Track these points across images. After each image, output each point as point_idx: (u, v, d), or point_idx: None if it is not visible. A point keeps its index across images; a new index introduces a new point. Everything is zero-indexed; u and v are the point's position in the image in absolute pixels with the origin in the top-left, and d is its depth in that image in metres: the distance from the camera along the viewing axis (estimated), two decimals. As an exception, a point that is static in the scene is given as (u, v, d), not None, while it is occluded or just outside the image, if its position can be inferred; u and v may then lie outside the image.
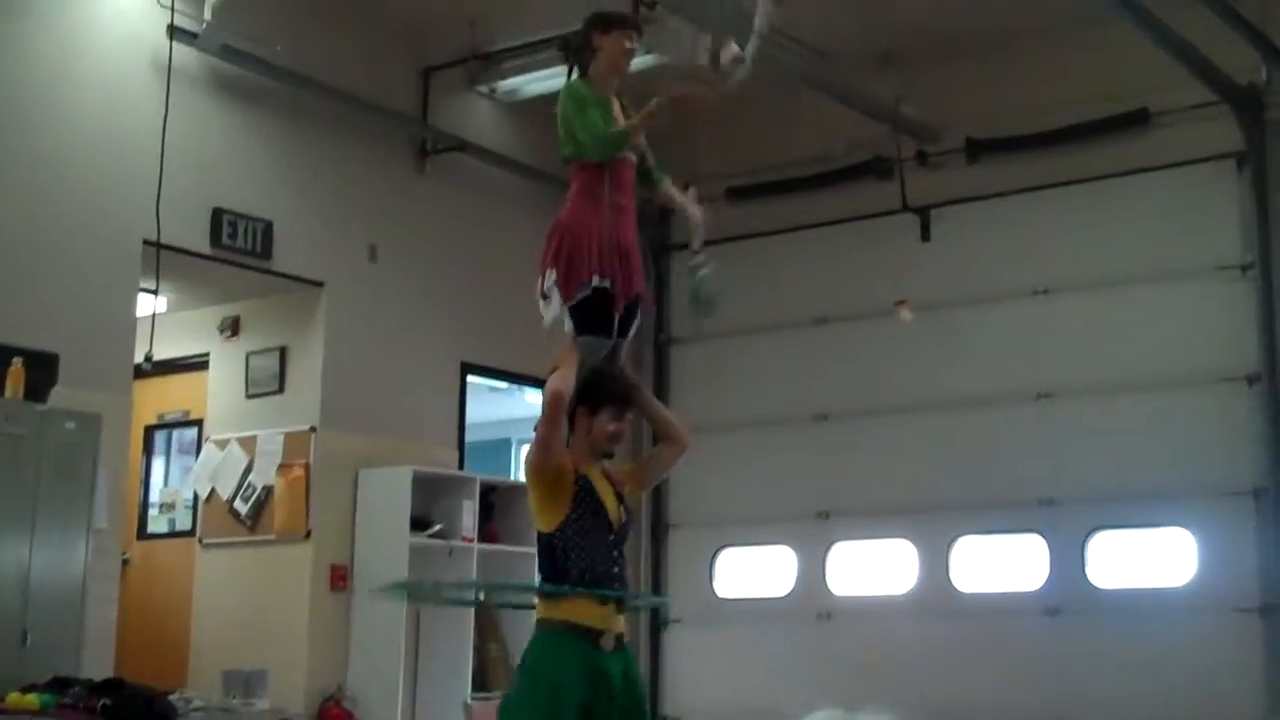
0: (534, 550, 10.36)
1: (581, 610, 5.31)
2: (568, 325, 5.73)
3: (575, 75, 5.91)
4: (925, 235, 11.11)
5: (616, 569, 5.42)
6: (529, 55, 10.48)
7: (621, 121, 5.78)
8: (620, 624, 5.41)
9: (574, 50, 5.95)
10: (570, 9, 9.00)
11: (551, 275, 5.76)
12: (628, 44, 5.90)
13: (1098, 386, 10.19)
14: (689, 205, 6.15)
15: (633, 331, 5.86)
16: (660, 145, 6.11)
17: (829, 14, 10.05)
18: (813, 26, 10.03)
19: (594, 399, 5.49)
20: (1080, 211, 10.44)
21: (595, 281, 5.67)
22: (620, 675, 5.33)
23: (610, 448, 5.53)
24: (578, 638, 5.29)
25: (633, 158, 5.86)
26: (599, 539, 5.39)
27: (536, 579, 5.57)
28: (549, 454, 5.41)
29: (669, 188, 6.14)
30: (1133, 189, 10.26)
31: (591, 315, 5.70)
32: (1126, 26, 8.81)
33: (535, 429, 5.56)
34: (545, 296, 5.80)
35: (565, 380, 5.42)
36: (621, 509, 5.49)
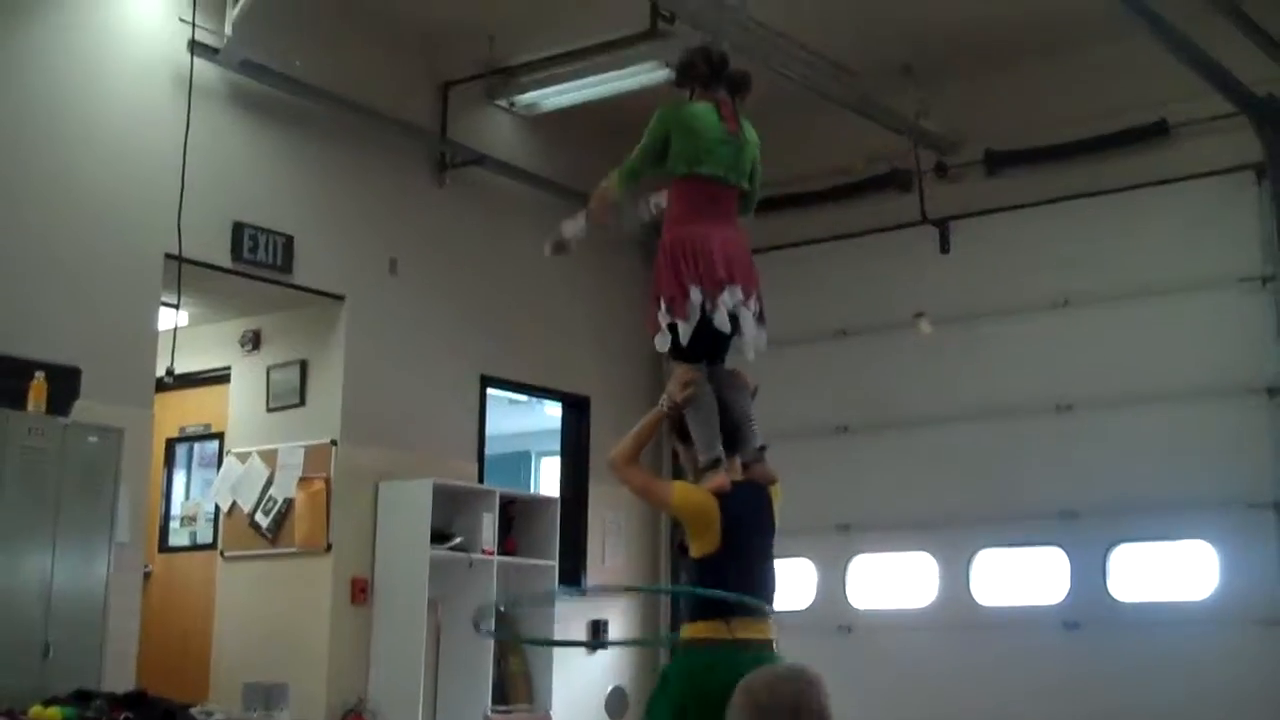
0: (553, 562, 10.46)
1: None
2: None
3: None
4: (945, 247, 11.11)
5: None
6: (547, 69, 10.50)
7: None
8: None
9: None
10: (589, 23, 9.11)
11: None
12: None
13: (1118, 398, 10.18)
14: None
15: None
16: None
17: (848, 27, 10.10)
18: (831, 40, 10.07)
19: None
20: (1100, 223, 10.44)
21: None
22: None
23: None
24: None
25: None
26: None
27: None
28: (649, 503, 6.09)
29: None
30: (1152, 201, 10.25)
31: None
32: (1145, 38, 8.80)
33: None
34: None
35: (628, 437, 5.77)
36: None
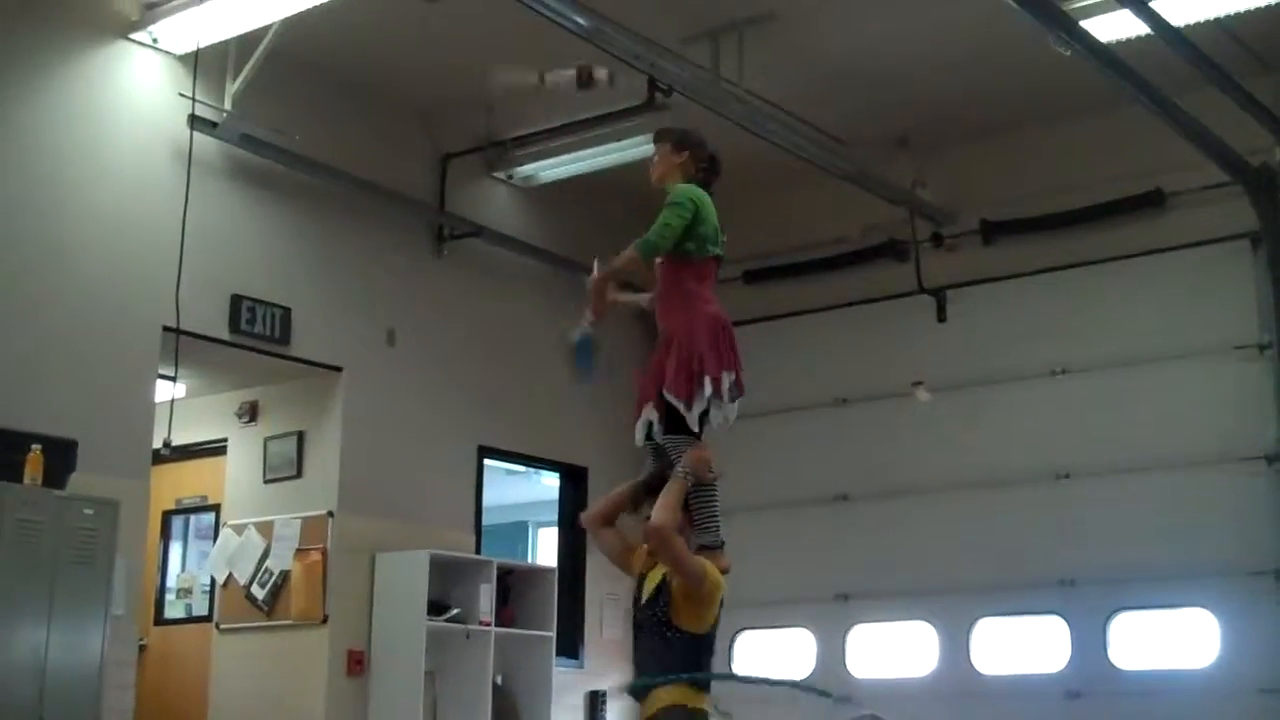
0: (550, 633, 10.43)
1: None
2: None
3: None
4: (941, 316, 11.14)
5: (638, 655, 5.68)
6: (545, 142, 10.57)
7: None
8: (642, 713, 5.57)
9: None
10: (585, 97, 9.16)
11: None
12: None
13: (1116, 466, 10.17)
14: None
15: (718, 416, 6.00)
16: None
17: (843, 99, 10.18)
18: (827, 112, 10.14)
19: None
20: (1096, 292, 10.47)
21: None
22: None
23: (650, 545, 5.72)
24: None
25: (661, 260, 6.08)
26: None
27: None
28: (606, 555, 6.12)
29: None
30: (1148, 269, 10.28)
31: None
32: (1140, 109, 8.86)
33: None
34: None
35: (604, 498, 6.18)
36: (649, 602, 5.63)
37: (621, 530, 6.01)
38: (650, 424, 5.94)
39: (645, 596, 5.62)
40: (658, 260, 6.02)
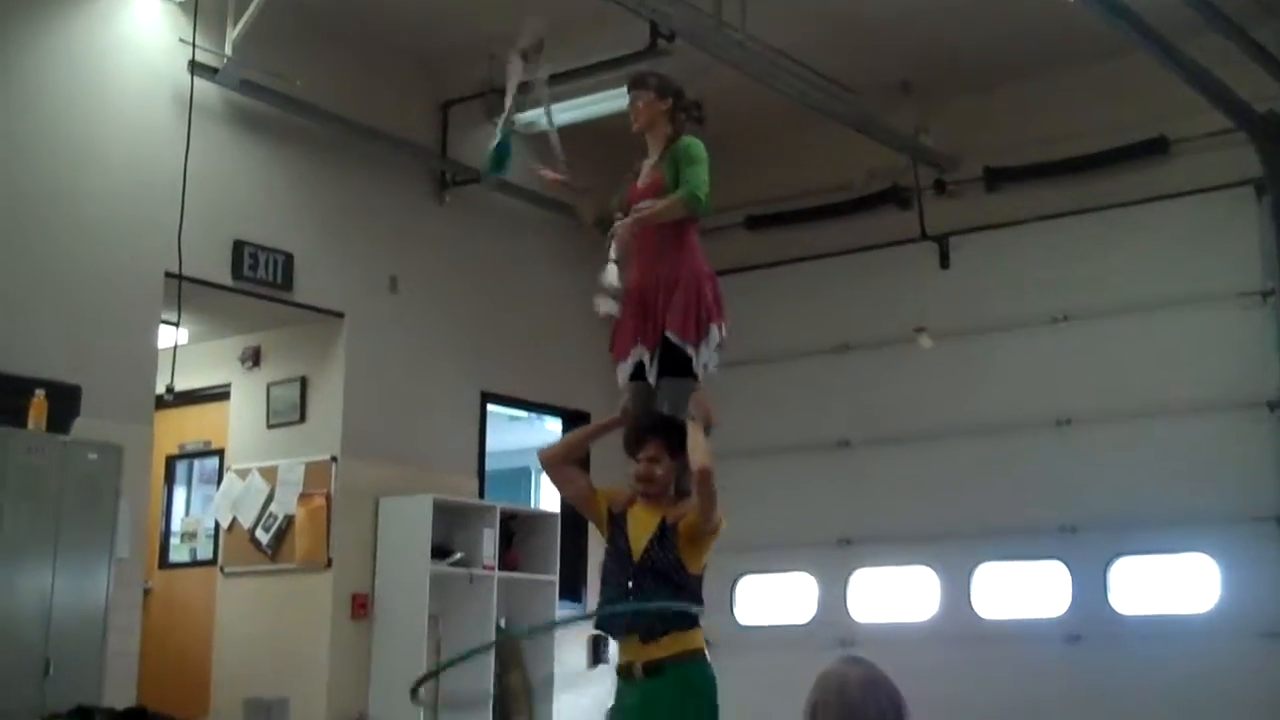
0: (553, 577, 10.50)
1: (619, 650, 5.72)
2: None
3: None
4: (944, 263, 11.13)
5: (641, 599, 5.54)
6: (547, 88, 10.50)
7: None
8: (649, 652, 5.52)
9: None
10: (588, 41, 9.13)
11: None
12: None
13: (1118, 413, 10.18)
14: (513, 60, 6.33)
15: (708, 359, 6.03)
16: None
17: (846, 45, 10.12)
18: (830, 58, 10.09)
19: (625, 443, 5.84)
20: (1099, 239, 10.45)
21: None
22: (639, 702, 5.48)
23: (642, 488, 5.74)
24: (619, 676, 5.70)
25: (646, 205, 6.12)
26: (617, 573, 5.64)
27: None
28: (572, 504, 6.03)
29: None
30: (1151, 216, 10.26)
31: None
32: (1144, 55, 8.82)
33: None
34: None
35: (567, 436, 6.27)
36: (653, 544, 5.58)
37: (581, 470, 6.14)
38: (640, 365, 6.01)
39: (646, 539, 5.61)
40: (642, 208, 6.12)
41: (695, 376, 5.91)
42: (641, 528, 5.64)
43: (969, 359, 10.82)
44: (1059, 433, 10.43)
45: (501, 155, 6.30)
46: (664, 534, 5.58)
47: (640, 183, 6.26)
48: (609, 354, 6.28)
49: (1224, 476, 9.79)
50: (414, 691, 6.00)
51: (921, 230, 11.11)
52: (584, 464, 6.49)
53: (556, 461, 5.96)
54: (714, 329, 5.96)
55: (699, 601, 5.60)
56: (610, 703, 5.82)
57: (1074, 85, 10.55)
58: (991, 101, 10.91)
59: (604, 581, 5.76)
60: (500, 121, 6.39)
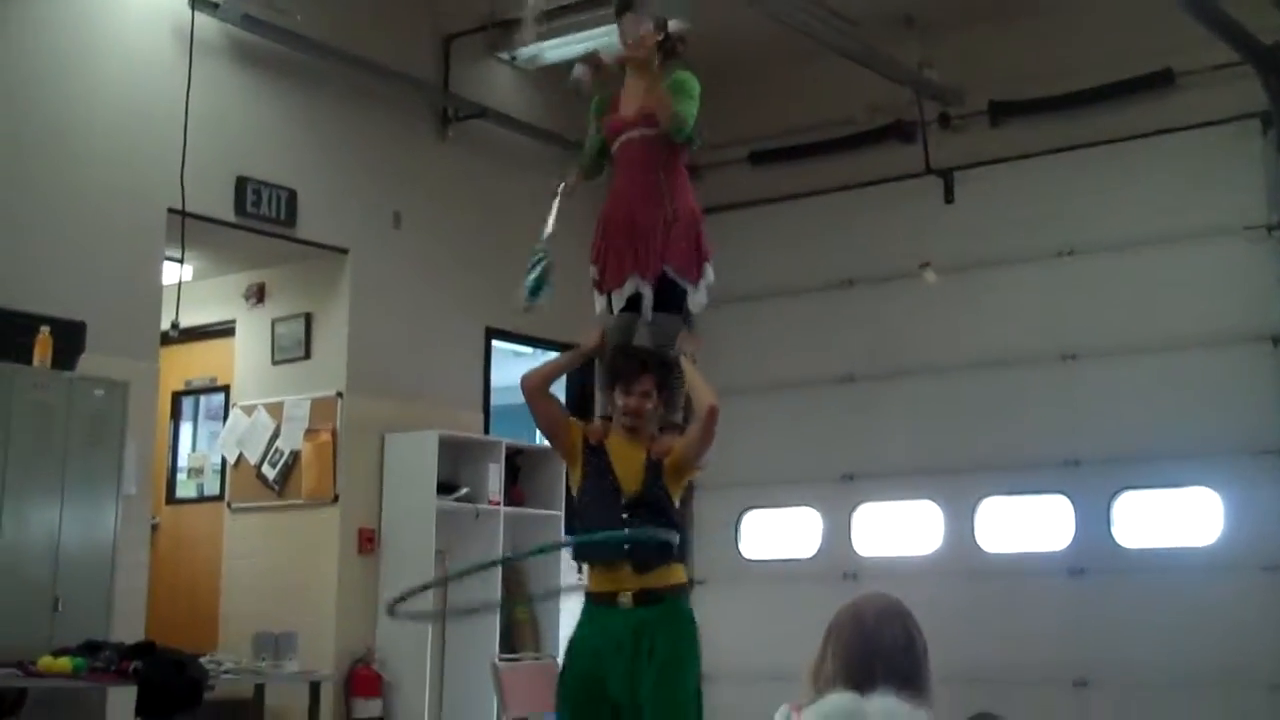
0: (559, 513, 10.52)
1: (597, 579, 5.66)
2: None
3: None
4: (949, 198, 11.09)
5: (635, 532, 5.54)
6: (548, 22, 10.46)
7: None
8: (643, 582, 5.54)
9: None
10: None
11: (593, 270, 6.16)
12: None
13: (1122, 347, 10.18)
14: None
15: (698, 300, 6.06)
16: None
17: (851, -23, 10.05)
18: (835, -10, 10.03)
19: (608, 375, 5.80)
20: (1104, 173, 10.42)
21: (593, 272, 6.13)
22: (633, 630, 5.48)
23: (629, 421, 5.70)
24: (596, 604, 5.62)
25: (634, 135, 6.08)
26: (607, 506, 5.61)
27: None
28: (546, 431, 5.94)
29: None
30: (1157, 150, 10.22)
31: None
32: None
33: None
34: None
35: (564, 359, 6.03)
36: (645, 479, 5.59)
37: (555, 397, 6.01)
38: (633, 297, 5.98)
39: (638, 473, 5.60)
40: (632, 137, 6.09)
41: (686, 314, 5.94)
42: (628, 462, 5.64)
43: (973, 294, 10.80)
44: (1063, 367, 10.43)
45: (539, 284, 6.24)
46: (655, 468, 5.61)
47: (625, 112, 6.18)
48: (594, 278, 6.18)
49: (1228, 410, 9.80)
50: (391, 608, 6.00)
51: (926, 165, 11.07)
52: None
53: (539, 387, 5.85)
54: (709, 269, 6.02)
55: (679, 528, 5.67)
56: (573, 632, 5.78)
57: (1079, 18, 10.49)
58: (996, 35, 10.84)
59: (586, 513, 5.76)
60: (537, 252, 6.29)
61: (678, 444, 5.73)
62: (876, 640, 3.27)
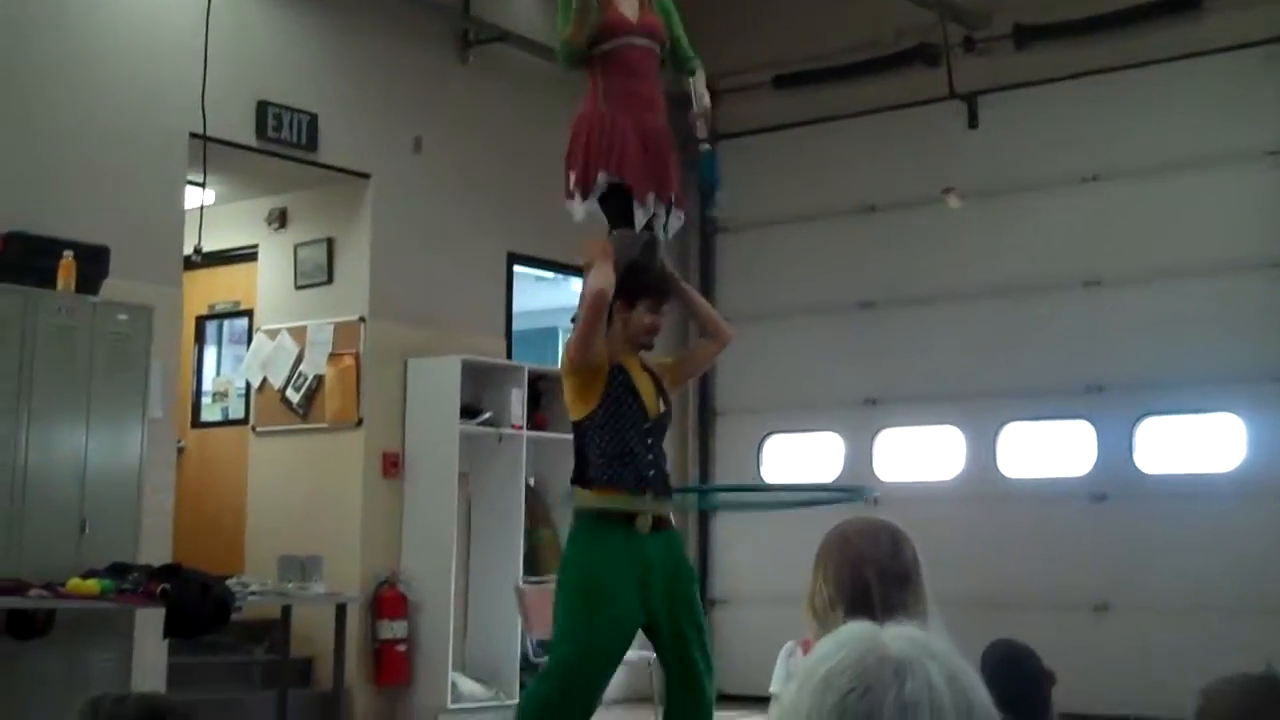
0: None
1: (615, 500, 5.39)
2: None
3: None
4: (973, 122, 11.03)
5: (651, 456, 5.50)
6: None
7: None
8: (660, 508, 5.52)
9: None
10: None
11: (571, 176, 5.86)
12: None
13: (1146, 273, 10.16)
14: (698, 92, 6.15)
15: (674, 225, 5.97)
16: (705, 35, 6.12)
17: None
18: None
19: (631, 292, 5.48)
20: (1129, 97, 10.34)
21: (602, 179, 5.77)
22: (661, 558, 5.42)
23: (648, 340, 5.58)
24: (614, 523, 5.39)
25: (641, 43, 5.95)
26: (633, 427, 5.43)
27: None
28: (588, 349, 5.40)
29: (696, 79, 6.17)
30: (1182, 74, 10.15)
31: (617, 210, 5.79)
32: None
33: (573, 322, 5.62)
34: (570, 196, 5.88)
35: (605, 277, 5.40)
36: (660, 400, 5.56)
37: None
38: (655, 216, 5.89)
39: (654, 394, 5.54)
40: (638, 44, 5.99)
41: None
42: (644, 382, 5.53)
43: (997, 219, 10.77)
44: (1087, 292, 10.41)
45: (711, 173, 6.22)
46: (660, 389, 5.58)
47: (631, 15, 5.98)
48: (608, 179, 5.85)
49: (1251, 336, 9.79)
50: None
51: (950, 89, 10.99)
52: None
53: (584, 352, 5.45)
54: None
55: None
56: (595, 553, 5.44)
57: (1107, -61, 10.39)
58: (1022, -44, 10.76)
59: (616, 434, 5.41)
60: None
61: (674, 365, 5.76)
62: (864, 551, 3.27)
